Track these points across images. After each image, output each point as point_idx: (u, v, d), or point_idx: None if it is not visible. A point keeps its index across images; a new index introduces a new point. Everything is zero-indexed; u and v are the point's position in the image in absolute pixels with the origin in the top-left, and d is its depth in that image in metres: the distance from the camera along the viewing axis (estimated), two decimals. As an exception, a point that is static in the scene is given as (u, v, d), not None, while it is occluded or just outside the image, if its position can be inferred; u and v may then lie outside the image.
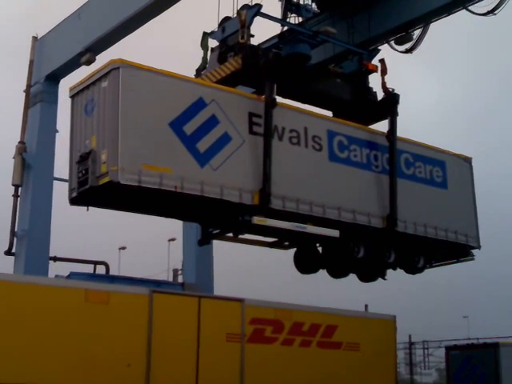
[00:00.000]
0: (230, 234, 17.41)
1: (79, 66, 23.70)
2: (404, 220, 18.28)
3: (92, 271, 21.87)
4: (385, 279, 19.64)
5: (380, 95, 19.10)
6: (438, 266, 20.62)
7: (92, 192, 14.69)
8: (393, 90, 18.74)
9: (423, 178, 19.20)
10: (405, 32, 19.93)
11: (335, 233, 17.04)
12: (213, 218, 16.80)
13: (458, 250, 20.14)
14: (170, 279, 33.65)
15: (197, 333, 14.51)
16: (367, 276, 19.52)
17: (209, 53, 18.03)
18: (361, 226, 17.61)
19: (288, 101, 17.77)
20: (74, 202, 15.41)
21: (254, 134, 16.19)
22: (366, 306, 19.28)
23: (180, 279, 30.93)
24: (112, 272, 21.93)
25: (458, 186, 20.00)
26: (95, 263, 22.27)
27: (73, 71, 24.55)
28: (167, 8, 20.98)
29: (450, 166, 19.85)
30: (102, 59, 21.99)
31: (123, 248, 45.95)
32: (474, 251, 20.32)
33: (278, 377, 15.58)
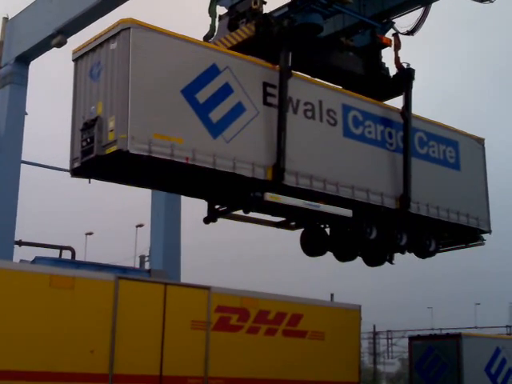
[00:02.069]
0: (237, 212, 16.54)
1: (50, 48, 22.99)
2: (417, 201, 17.54)
3: (58, 256, 21.07)
4: (392, 263, 18.92)
5: (392, 71, 18.31)
6: (446, 250, 19.92)
7: (97, 162, 13.64)
8: (408, 64, 17.93)
9: (436, 158, 18.47)
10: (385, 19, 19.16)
11: (348, 212, 16.22)
12: (222, 194, 15.85)
13: (468, 234, 19.46)
14: (137, 266, 32.95)
15: (162, 320, 14.19)
16: (374, 260, 18.77)
17: (216, 20, 17.00)
18: (374, 206, 16.81)
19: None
20: (75, 172, 14.35)
21: (269, 105, 15.29)
22: (332, 296, 18.72)
23: (147, 266, 30.30)
24: (78, 258, 21.24)
25: (471, 168, 19.32)
26: (61, 248, 21.57)
27: (43, 53, 23.81)
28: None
29: (463, 146, 19.15)
30: (74, 42, 21.69)
31: (90, 233, 45.42)
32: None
33: (243, 365, 15.34)
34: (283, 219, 17.88)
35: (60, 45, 22.33)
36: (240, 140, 14.62)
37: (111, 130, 13.28)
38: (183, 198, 24.71)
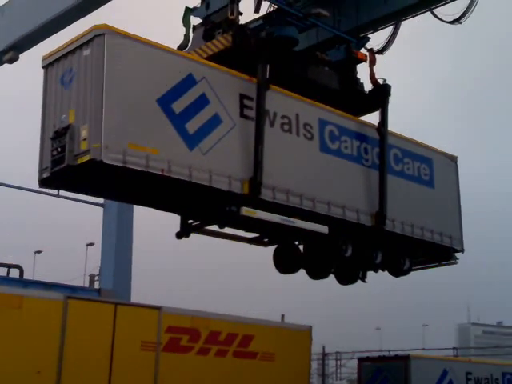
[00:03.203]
0: (211, 227, 16.08)
1: (1, 63, 22.51)
2: (392, 219, 17.28)
3: (5, 275, 20.45)
4: (365, 281, 18.60)
5: (368, 87, 18.11)
6: (419, 269, 19.68)
7: (68, 172, 13.04)
8: (384, 80, 17.73)
9: (411, 175, 18.28)
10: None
11: (324, 229, 15.86)
12: (196, 208, 15.35)
13: (441, 253, 19.26)
14: (87, 285, 32.29)
15: (111, 340, 13.83)
16: (347, 278, 18.42)
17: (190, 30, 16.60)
18: (349, 222, 16.49)
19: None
20: (44, 183, 13.73)
21: (245, 117, 14.92)
22: (283, 316, 18.62)
23: (97, 285, 29.92)
24: (26, 276, 20.67)
25: (444, 186, 19.19)
26: (9, 266, 20.86)
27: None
28: (97, 7, 19.89)
29: (436, 164, 19.02)
30: (27, 57, 21.94)
31: (39, 252, 44.38)
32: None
33: None
34: (256, 235, 17.44)
35: (12, 61, 22.06)
36: (216, 152, 14.20)
37: (84, 139, 12.72)
38: (136, 218, 24.76)
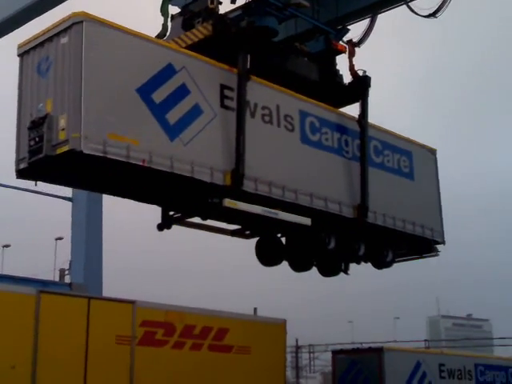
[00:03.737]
0: (193, 219, 15.84)
1: None
2: (374, 211, 17.18)
3: None
4: (347, 274, 18.49)
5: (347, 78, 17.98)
6: (401, 261, 19.62)
7: (46, 163, 12.70)
8: (364, 72, 17.61)
9: (391, 168, 18.21)
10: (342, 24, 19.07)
11: (307, 221, 15.70)
12: (178, 200, 15.09)
13: (422, 245, 19.23)
14: (57, 279, 32.00)
15: (85, 335, 13.79)
16: (330, 270, 18.30)
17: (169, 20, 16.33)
18: (332, 214, 16.34)
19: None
20: (21, 174, 13.37)
21: (226, 108, 14.67)
22: (255, 310, 18.46)
23: (67, 279, 29.67)
24: None
25: (424, 178, 19.18)
26: None
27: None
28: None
29: (416, 156, 18.97)
30: None
31: (7, 246, 43.96)
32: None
33: (168, 380, 15.00)
34: (238, 227, 17.23)
35: None
36: (198, 143, 13.95)
37: (62, 129, 12.39)
38: (104, 210, 24.51)
